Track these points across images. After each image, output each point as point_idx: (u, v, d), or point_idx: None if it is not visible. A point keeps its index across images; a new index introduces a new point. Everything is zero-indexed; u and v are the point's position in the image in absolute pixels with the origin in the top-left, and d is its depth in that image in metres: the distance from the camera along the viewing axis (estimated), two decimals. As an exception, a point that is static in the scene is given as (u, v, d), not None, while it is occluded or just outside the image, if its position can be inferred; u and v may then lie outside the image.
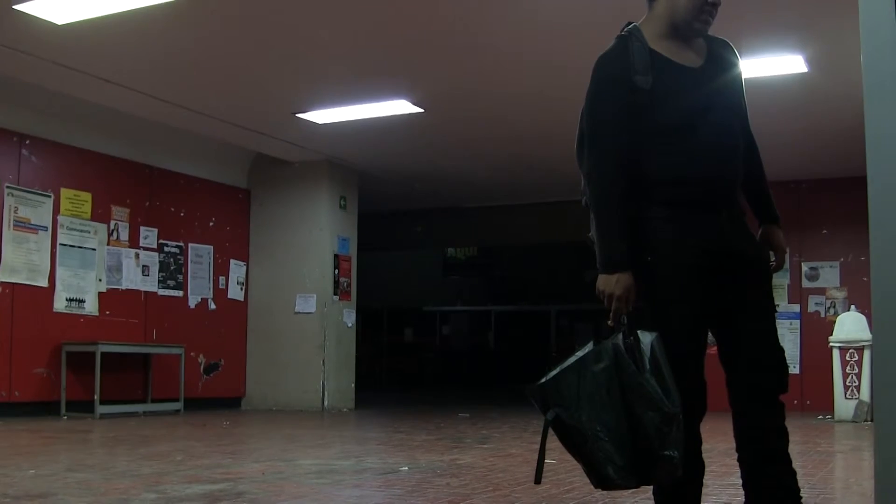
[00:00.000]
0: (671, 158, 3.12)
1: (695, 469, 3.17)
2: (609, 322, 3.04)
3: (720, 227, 3.14)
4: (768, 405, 3.16)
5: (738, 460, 3.21)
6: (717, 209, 3.15)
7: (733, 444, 3.21)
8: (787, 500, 3.13)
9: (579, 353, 2.99)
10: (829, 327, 11.86)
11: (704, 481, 3.26)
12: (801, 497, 3.16)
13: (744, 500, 3.23)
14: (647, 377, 2.88)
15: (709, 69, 3.22)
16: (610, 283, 3.03)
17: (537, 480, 2.97)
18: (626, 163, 3.10)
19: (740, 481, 3.21)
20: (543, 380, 2.98)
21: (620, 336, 2.96)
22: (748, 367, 3.15)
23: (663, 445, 2.84)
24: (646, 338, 2.96)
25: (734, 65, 3.31)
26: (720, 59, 3.27)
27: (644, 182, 3.12)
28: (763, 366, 3.15)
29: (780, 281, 13.36)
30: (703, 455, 3.23)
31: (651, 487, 3.20)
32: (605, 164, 3.12)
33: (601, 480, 2.94)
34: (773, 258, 3.37)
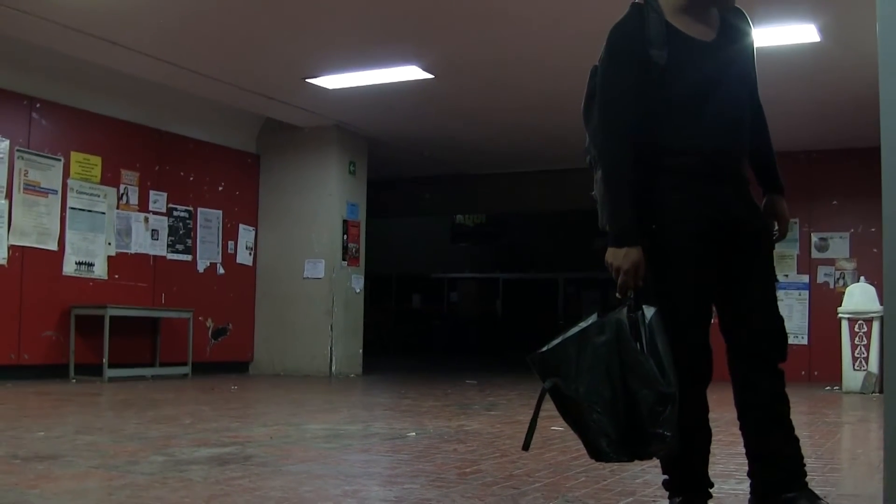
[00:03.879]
0: (679, 130, 3.12)
1: (702, 437, 3.19)
2: (617, 295, 3.04)
3: (725, 197, 3.15)
4: (768, 372, 3.20)
5: (740, 428, 3.24)
6: (723, 180, 3.16)
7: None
8: (790, 466, 3.15)
9: (582, 325, 2.99)
10: (838, 298, 11.84)
11: (711, 449, 3.27)
12: (804, 464, 3.18)
13: (747, 468, 3.24)
14: (646, 355, 2.90)
15: (721, 41, 3.21)
16: (618, 257, 3.03)
17: (525, 447, 2.98)
18: (634, 135, 3.10)
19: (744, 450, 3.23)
20: (544, 348, 2.99)
21: (625, 310, 2.97)
22: (748, 336, 3.18)
23: (655, 424, 2.85)
24: (647, 312, 2.96)
25: (746, 34, 3.28)
26: (733, 30, 3.25)
27: (652, 152, 3.12)
28: (763, 334, 3.19)
29: (790, 251, 13.34)
30: (711, 424, 3.24)
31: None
32: (615, 138, 3.11)
33: (595, 453, 2.96)
34: (776, 228, 3.37)
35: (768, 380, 3.19)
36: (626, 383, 2.88)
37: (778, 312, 3.24)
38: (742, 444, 3.26)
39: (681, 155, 3.11)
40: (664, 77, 3.08)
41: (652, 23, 3.10)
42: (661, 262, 3.08)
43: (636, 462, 3.20)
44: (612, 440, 2.89)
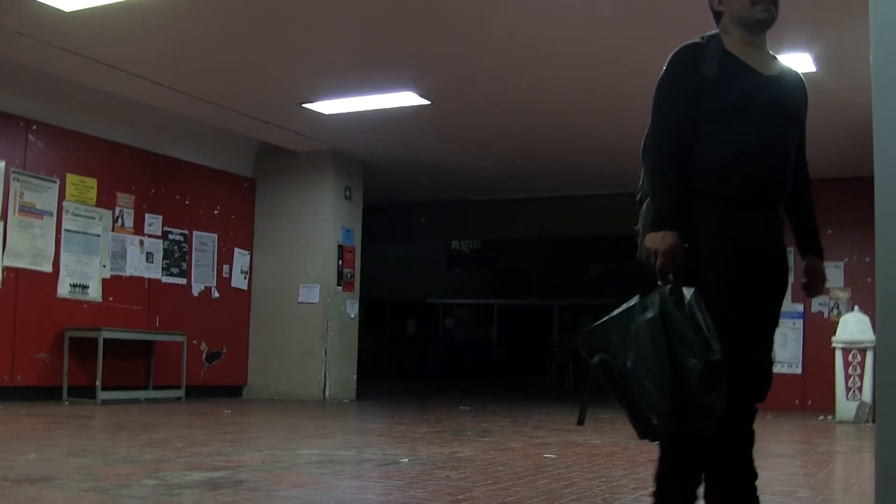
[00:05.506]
0: (716, 150, 3.20)
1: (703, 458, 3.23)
2: (658, 282, 3.09)
3: (755, 227, 3.21)
4: (745, 408, 3.24)
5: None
6: (753, 210, 3.22)
7: None
8: (745, 495, 3.24)
9: (625, 305, 3.05)
10: (833, 327, 11.85)
11: None
12: (757, 497, 3.26)
13: (704, 491, 3.29)
14: (689, 328, 2.94)
15: (778, 81, 3.34)
16: (656, 240, 3.08)
17: (580, 422, 3.10)
18: (682, 138, 3.20)
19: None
20: (591, 326, 3.06)
21: (666, 290, 3.02)
22: (739, 374, 3.18)
23: (707, 391, 2.89)
24: (687, 293, 3.01)
25: (803, 92, 3.45)
26: (791, 81, 3.41)
27: (690, 173, 3.19)
28: (754, 377, 3.24)
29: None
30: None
31: (649, 483, 3.23)
32: (662, 135, 3.23)
33: (645, 429, 3.00)
34: (809, 285, 3.53)
35: (741, 415, 3.23)
36: (674, 354, 2.92)
37: (770, 356, 3.35)
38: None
39: (717, 180, 3.19)
40: (714, 89, 3.20)
41: (710, 48, 3.26)
42: (698, 279, 3.10)
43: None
44: (661, 413, 2.92)
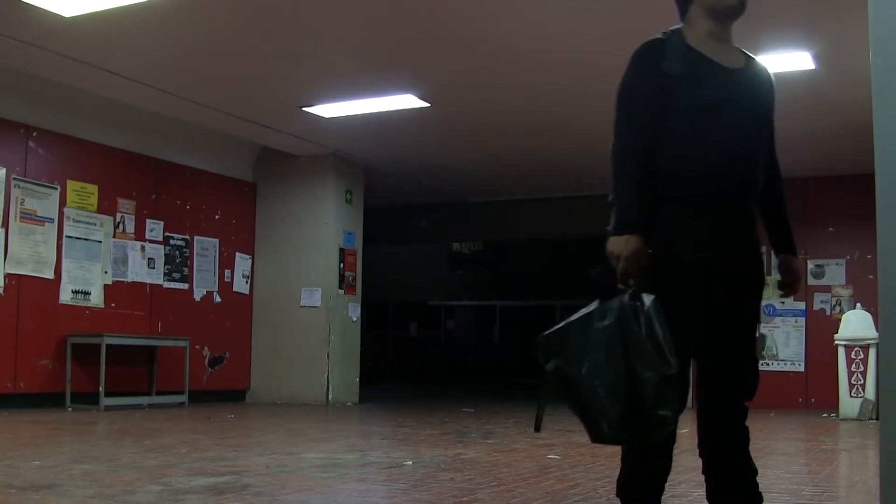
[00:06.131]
0: (686, 151, 3.12)
1: (662, 466, 3.22)
2: (619, 285, 3.05)
3: (725, 230, 3.15)
4: (734, 408, 3.22)
5: (700, 455, 3.27)
6: (727, 209, 3.16)
7: None
8: (747, 492, 3.21)
9: (585, 311, 3.01)
10: (835, 325, 11.84)
11: (678, 476, 3.29)
12: (759, 492, 3.23)
13: (705, 492, 3.28)
14: (646, 339, 2.91)
15: (744, 75, 3.25)
16: (619, 244, 3.04)
17: (536, 429, 3.01)
18: (647, 139, 3.12)
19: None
20: (547, 332, 3.02)
21: (626, 297, 2.97)
22: (723, 373, 3.20)
23: (659, 405, 2.87)
24: (646, 300, 2.96)
25: (771, 87, 3.36)
26: (759, 76, 3.32)
27: (657, 175, 3.12)
28: (738, 375, 3.21)
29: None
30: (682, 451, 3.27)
31: (611, 481, 3.22)
32: (627, 137, 3.16)
33: (596, 434, 2.97)
34: (785, 284, 3.44)
35: (733, 415, 3.21)
36: (629, 365, 2.89)
37: (755, 353, 3.29)
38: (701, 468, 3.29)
39: (685, 183, 3.11)
40: (678, 87, 3.12)
41: (672, 44, 3.18)
42: (659, 290, 3.09)
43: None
44: (611, 420, 2.89)
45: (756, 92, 3.28)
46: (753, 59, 3.35)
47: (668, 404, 2.88)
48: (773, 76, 3.39)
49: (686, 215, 3.11)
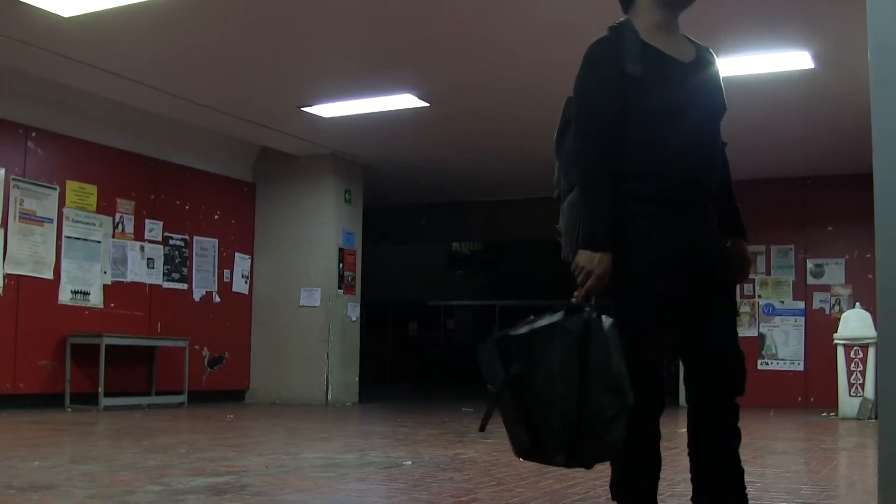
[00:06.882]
0: (650, 152, 3.10)
1: (653, 467, 3.19)
2: (576, 295, 3.03)
3: (690, 227, 3.14)
4: (723, 405, 3.18)
5: (689, 455, 3.24)
6: (689, 209, 3.15)
7: None
8: (733, 495, 3.18)
9: (549, 320, 2.96)
10: (834, 324, 11.85)
11: (667, 475, 3.26)
12: (745, 494, 3.20)
13: (692, 494, 3.25)
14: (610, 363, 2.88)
15: (697, 66, 3.24)
16: (592, 261, 3.02)
17: (482, 429, 2.94)
18: (612, 145, 3.09)
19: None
20: (513, 333, 2.96)
21: (591, 316, 2.94)
22: (707, 370, 3.18)
23: (608, 432, 2.84)
24: (605, 322, 2.94)
25: (712, 63, 3.32)
26: (706, 62, 3.29)
27: (621, 175, 3.11)
28: (723, 370, 3.17)
29: (786, 277, 13.35)
30: (671, 449, 3.24)
31: (608, 481, 3.21)
32: (591, 144, 3.12)
33: (524, 449, 2.93)
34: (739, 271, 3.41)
35: (723, 414, 3.18)
36: (586, 387, 2.85)
37: (738, 347, 3.23)
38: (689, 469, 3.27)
39: (648, 181, 3.10)
40: (640, 89, 3.09)
41: (628, 40, 3.14)
42: (625, 288, 3.09)
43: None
44: (556, 440, 2.85)
45: (711, 85, 3.28)
46: (699, 45, 3.33)
47: (619, 431, 2.84)
48: (716, 57, 3.36)
49: (650, 214, 3.09)
